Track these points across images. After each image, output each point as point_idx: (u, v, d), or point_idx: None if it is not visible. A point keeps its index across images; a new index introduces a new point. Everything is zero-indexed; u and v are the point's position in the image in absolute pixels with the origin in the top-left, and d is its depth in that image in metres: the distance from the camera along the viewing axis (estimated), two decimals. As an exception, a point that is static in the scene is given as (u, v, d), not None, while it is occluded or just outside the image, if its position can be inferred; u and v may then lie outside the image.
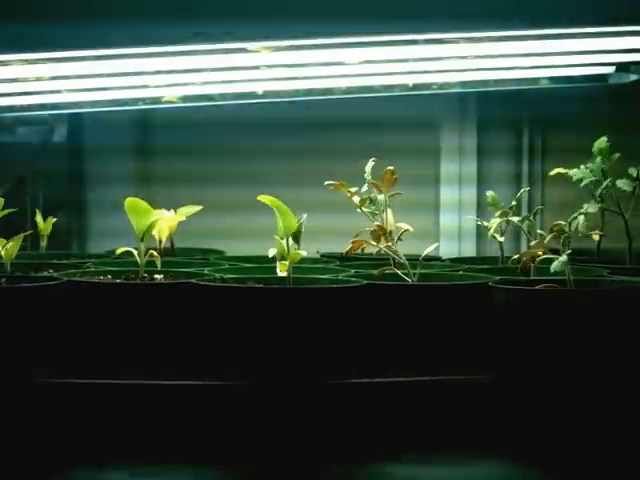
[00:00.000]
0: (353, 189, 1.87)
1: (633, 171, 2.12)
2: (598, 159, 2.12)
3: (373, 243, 1.87)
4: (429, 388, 1.75)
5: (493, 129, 2.73)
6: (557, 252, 1.78)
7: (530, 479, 1.65)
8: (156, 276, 1.86)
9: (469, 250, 2.70)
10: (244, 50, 2.15)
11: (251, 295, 1.71)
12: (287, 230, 1.76)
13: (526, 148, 2.74)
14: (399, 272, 1.86)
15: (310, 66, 2.25)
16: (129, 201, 1.83)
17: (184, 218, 2.04)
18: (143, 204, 1.83)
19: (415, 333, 1.78)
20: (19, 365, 1.71)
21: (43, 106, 2.37)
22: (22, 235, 1.87)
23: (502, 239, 2.12)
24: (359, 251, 1.88)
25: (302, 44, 2.15)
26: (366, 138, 2.58)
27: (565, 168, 2.13)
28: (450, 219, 2.73)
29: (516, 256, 1.89)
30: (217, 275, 1.86)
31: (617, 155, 2.11)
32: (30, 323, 1.70)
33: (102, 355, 1.75)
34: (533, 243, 1.88)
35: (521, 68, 2.38)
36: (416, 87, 2.40)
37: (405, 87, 2.40)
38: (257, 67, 2.24)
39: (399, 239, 1.88)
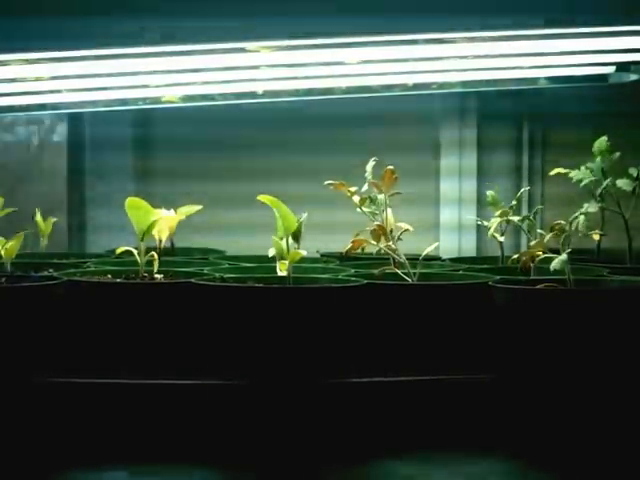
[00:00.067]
0: (353, 188, 1.87)
1: (633, 171, 2.13)
2: (598, 159, 2.12)
3: (373, 242, 1.87)
4: (429, 388, 1.75)
5: (493, 122, 2.73)
6: (557, 252, 1.78)
7: (530, 478, 1.65)
8: (156, 276, 1.86)
9: (469, 245, 2.69)
10: (244, 50, 2.14)
11: (251, 295, 1.71)
12: (287, 230, 1.76)
13: (526, 141, 2.74)
14: (399, 272, 1.86)
15: (310, 66, 2.25)
16: (130, 201, 1.83)
17: (183, 217, 2.04)
18: (143, 204, 1.83)
19: (415, 333, 1.78)
20: (19, 364, 1.71)
21: (43, 106, 2.37)
22: (22, 234, 1.88)
23: (502, 239, 2.12)
24: (359, 250, 1.89)
25: (302, 44, 2.15)
26: (366, 133, 2.58)
27: (565, 163, 2.13)
28: (450, 213, 2.72)
29: (516, 256, 1.89)
30: (217, 275, 1.86)
31: (617, 154, 2.11)
32: (30, 322, 1.70)
33: (102, 355, 1.75)
34: (533, 243, 1.88)
35: (521, 68, 2.38)
36: (416, 87, 2.40)
37: (405, 87, 2.40)
38: (257, 67, 2.23)
39: (399, 239, 1.88)
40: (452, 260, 2.24)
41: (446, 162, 2.73)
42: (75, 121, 2.65)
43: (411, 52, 2.21)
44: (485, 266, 2.07)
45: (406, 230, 1.88)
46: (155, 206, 1.87)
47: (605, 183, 2.10)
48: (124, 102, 2.39)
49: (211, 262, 2.13)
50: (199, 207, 2.06)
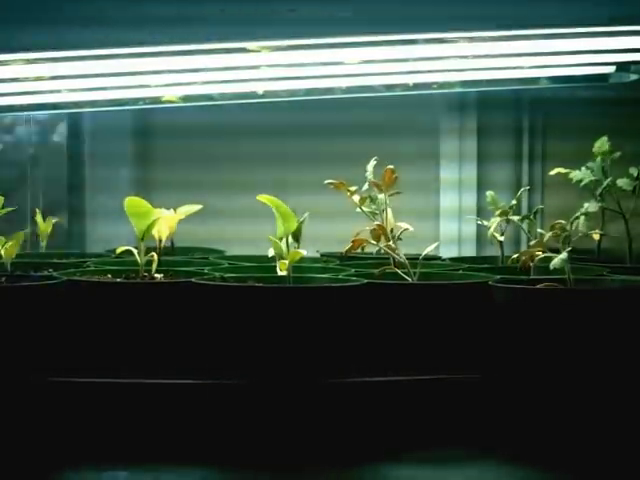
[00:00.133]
0: (353, 188, 1.87)
1: (634, 171, 2.13)
2: (598, 159, 2.12)
3: (373, 242, 1.87)
4: (429, 387, 1.75)
5: (493, 134, 2.74)
6: (557, 251, 1.78)
7: (530, 479, 1.65)
8: (156, 275, 1.86)
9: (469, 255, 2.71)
10: (244, 50, 2.14)
11: (251, 294, 1.70)
12: (287, 230, 1.76)
13: (526, 153, 2.74)
14: (399, 271, 1.86)
15: (309, 66, 2.25)
16: (129, 200, 1.83)
17: (183, 216, 2.04)
18: (143, 203, 1.83)
19: (415, 332, 1.78)
20: (19, 364, 1.71)
21: (43, 106, 2.37)
22: (22, 234, 1.88)
23: (502, 238, 2.12)
24: (359, 250, 1.89)
25: (302, 44, 2.15)
26: (366, 144, 2.57)
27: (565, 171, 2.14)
28: (450, 225, 2.73)
29: (515, 255, 1.89)
30: (217, 274, 1.86)
31: (618, 154, 2.12)
32: (30, 322, 1.70)
33: (102, 354, 1.75)
34: (532, 242, 1.88)
35: (521, 68, 2.38)
36: (416, 87, 2.40)
37: (405, 87, 2.40)
38: (257, 67, 2.23)
39: (399, 238, 1.88)
40: (452, 260, 2.24)
41: (446, 174, 2.74)
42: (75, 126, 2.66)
43: (411, 52, 2.21)
44: (485, 265, 2.07)
45: (406, 229, 1.88)
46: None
47: (606, 183, 2.10)
48: (124, 102, 2.39)
49: (211, 262, 2.13)
50: (199, 206, 2.06)
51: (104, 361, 1.74)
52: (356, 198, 1.87)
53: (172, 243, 2.18)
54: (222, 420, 1.70)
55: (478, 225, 2.56)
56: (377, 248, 1.89)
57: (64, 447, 1.68)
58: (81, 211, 2.68)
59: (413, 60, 2.24)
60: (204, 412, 1.70)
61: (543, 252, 1.82)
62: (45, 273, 1.94)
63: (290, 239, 1.78)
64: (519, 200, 2.16)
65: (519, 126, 2.74)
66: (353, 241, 1.88)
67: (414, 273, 1.86)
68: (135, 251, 1.86)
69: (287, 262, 1.75)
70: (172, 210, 2.04)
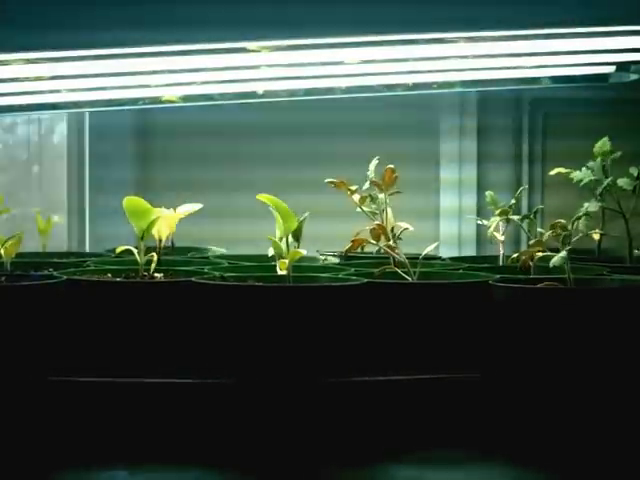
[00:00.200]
0: (353, 187, 1.87)
1: (634, 170, 2.13)
2: (599, 159, 2.13)
3: (373, 242, 1.87)
4: (429, 386, 1.75)
5: (493, 134, 2.74)
6: (557, 251, 1.78)
7: (531, 479, 1.65)
8: (156, 275, 1.86)
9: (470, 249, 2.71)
10: (244, 50, 2.14)
11: (251, 294, 1.70)
12: (287, 229, 1.76)
13: (526, 153, 2.75)
14: (399, 271, 1.86)
15: (309, 66, 2.25)
16: (128, 200, 1.83)
17: (183, 216, 2.03)
18: (142, 203, 1.83)
19: (415, 332, 1.78)
20: (18, 363, 1.70)
21: (42, 105, 2.37)
22: (21, 233, 1.88)
23: (502, 238, 2.12)
24: (358, 250, 1.89)
25: (302, 44, 2.15)
26: (366, 144, 2.58)
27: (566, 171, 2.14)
28: (450, 225, 2.73)
29: (515, 255, 1.89)
30: (217, 274, 1.86)
31: (618, 154, 2.12)
32: (30, 321, 1.70)
33: (102, 354, 1.75)
34: (532, 242, 1.88)
35: (521, 68, 2.38)
36: (416, 87, 2.40)
37: (405, 87, 2.40)
38: (257, 67, 2.23)
39: (399, 238, 1.88)
40: (452, 259, 2.24)
41: (446, 175, 2.74)
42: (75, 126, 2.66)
43: (411, 52, 2.21)
44: (485, 265, 2.07)
45: (406, 229, 1.88)
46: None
47: (606, 182, 2.10)
48: (123, 102, 2.39)
49: (211, 261, 2.13)
50: (199, 206, 2.06)
51: (104, 361, 1.74)
52: (356, 197, 1.87)
53: (172, 243, 2.18)
54: (222, 420, 1.70)
55: (478, 225, 2.57)
56: (377, 248, 1.89)
57: (64, 447, 1.68)
58: (81, 211, 2.68)
59: (413, 60, 2.24)
60: (203, 412, 1.70)
61: (543, 252, 1.82)
62: (45, 272, 1.94)
63: (290, 238, 1.78)
64: (518, 200, 2.16)
65: (519, 126, 2.75)
66: (353, 241, 1.88)
67: (414, 272, 1.86)
68: (135, 250, 1.85)
69: (287, 261, 1.75)
70: (172, 210, 2.04)
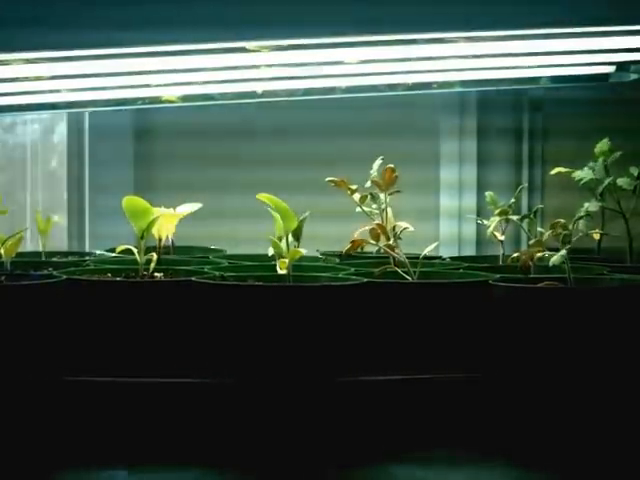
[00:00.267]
0: (354, 186, 1.87)
1: (634, 170, 2.13)
2: (600, 160, 2.13)
3: (372, 242, 1.87)
4: (429, 386, 1.75)
5: (493, 135, 2.74)
6: (557, 251, 1.78)
7: (531, 478, 1.65)
8: (156, 274, 1.86)
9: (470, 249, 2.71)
10: (244, 49, 2.14)
11: (251, 293, 1.70)
12: (287, 229, 1.76)
13: (526, 154, 2.75)
14: (399, 270, 1.86)
15: (309, 65, 2.25)
16: (127, 200, 1.83)
17: (183, 215, 2.03)
18: (141, 202, 1.83)
19: (415, 331, 1.78)
20: (18, 363, 1.70)
21: (42, 105, 2.37)
22: (21, 233, 1.88)
23: (502, 237, 2.12)
24: (358, 250, 1.89)
25: (302, 43, 2.15)
26: (366, 144, 2.58)
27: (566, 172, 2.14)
28: (450, 225, 2.73)
29: (515, 254, 1.89)
30: (217, 273, 1.86)
31: (618, 154, 2.12)
32: (29, 321, 1.70)
33: (101, 353, 1.75)
34: (532, 242, 1.88)
35: (521, 68, 2.38)
36: (416, 86, 2.40)
37: (405, 86, 2.40)
38: (257, 66, 2.23)
39: (399, 238, 1.88)
40: (452, 259, 2.24)
41: (445, 175, 2.74)
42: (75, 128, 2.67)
43: (411, 52, 2.20)
44: (485, 264, 2.07)
45: (406, 228, 1.88)
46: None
47: (606, 182, 2.10)
48: (123, 102, 2.39)
49: (211, 261, 2.12)
50: (199, 205, 2.06)
51: (104, 360, 1.74)
52: (356, 197, 1.87)
53: (172, 242, 2.18)
54: (221, 420, 1.70)
55: (478, 225, 2.57)
56: (377, 247, 1.89)
57: (63, 446, 1.68)
58: (81, 211, 2.68)
59: (413, 60, 2.24)
60: (203, 411, 1.70)
61: (542, 252, 1.82)
62: (45, 272, 1.94)
63: (290, 238, 1.78)
64: (518, 199, 2.16)
65: (519, 126, 2.75)
66: (352, 241, 1.87)
67: (414, 272, 1.86)
68: (135, 250, 1.85)
69: (287, 261, 1.75)
70: (172, 209, 2.04)
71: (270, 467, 1.65)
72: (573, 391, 1.70)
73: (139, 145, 2.70)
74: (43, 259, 2.12)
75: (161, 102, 2.38)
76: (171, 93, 2.37)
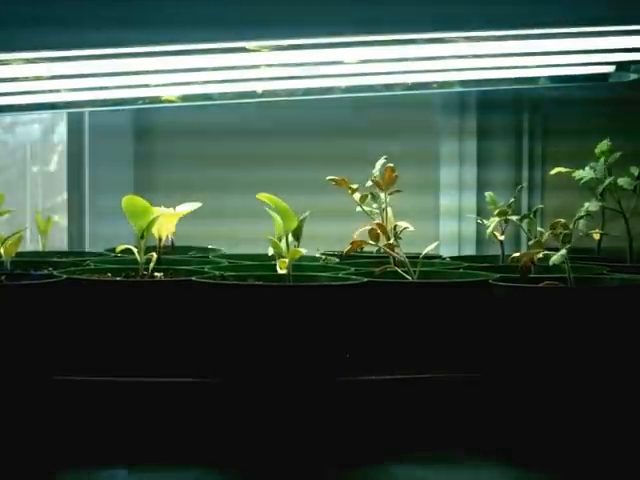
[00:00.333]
0: (354, 185, 1.87)
1: (635, 170, 2.13)
2: (601, 160, 2.13)
3: (372, 242, 1.87)
4: (429, 386, 1.75)
5: (493, 135, 2.74)
6: (557, 251, 1.78)
7: (531, 478, 1.65)
8: (156, 274, 1.86)
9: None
10: (243, 49, 2.14)
11: (251, 293, 1.70)
12: (287, 228, 1.76)
13: (526, 153, 2.75)
14: (399, 270, 1.86)
15: (309, 65, 2.25)
16: (126, 199, 1.82)
17: (183, 215, 2.03)
18: (141, 202, 1.83)
19: (415, 331, 1.78)
20: (18, 363, 1.70)
21: (42, 105, 2.37)
22: (21, 232, 1.87)
23: (502, 237, 2.12)
24: (358, 250, 1.89)
25: (301, 43, 2.15)
26: (365, 144, 2.58)
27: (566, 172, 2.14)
28: (450, 225, 2.73)
29: (516, 254, 1.89)
30: (217, 273, 1.86)
31: (618, 154, 2.12)
32: (29, 321, 1.70)
33: (102, 353, 1.75)
34: (531, 242, 1.88)
35: (521, 68, 2.38)
36: (416, 86, 2.40)
37: (405, 86, 2.40)
38: (257, 66, 2.23)
39: (399, 237, 1.88)
40: (452, 259, 2.24)
41: (445, 175, 2.74)
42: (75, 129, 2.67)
43: (410, 51, 2.21)
44: (485, 264, 2.07)
45: (406, 228, 1.88)
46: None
47: (607, 182, 2.10)
48: (123, 102, 2.39)
49: (211, 260, 2.13)
50: (199, 204, 2.05)
51: (104, 360, 1.74)
52: (357, 196, 1.87)
53: (172, 242, 2.18)
54: (220, 419, 1.70)
55: (478, 225, 2.57)
56: (377, 247, 1.89)
57: (63, 446, 1.68)
58: (81, 211, 2.68)
59: (412, 60, 2.24)
60: (203, 411, 1.70)
61: (542, 252, 1.82)
62: (45, 272, 1.94)
63: (290, 238, 1.78)
64: (517, 199, 2.16)
65: (519, 126, 2.75)
66: (352, 242, 1.87)
67: (414, 272, 1.86)
68: (135, 250, 1.85)
69: (287, 261, 1.75)
70: (172, 209, 2.04)
71: (270, 467, 1.66)
72: (573, 391, 1.69)
73: (139, 145, 2.70)
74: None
75: (161, 102, 2.38)
76: (171, 93, 2.37)
